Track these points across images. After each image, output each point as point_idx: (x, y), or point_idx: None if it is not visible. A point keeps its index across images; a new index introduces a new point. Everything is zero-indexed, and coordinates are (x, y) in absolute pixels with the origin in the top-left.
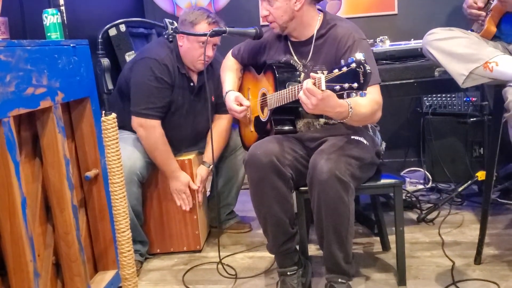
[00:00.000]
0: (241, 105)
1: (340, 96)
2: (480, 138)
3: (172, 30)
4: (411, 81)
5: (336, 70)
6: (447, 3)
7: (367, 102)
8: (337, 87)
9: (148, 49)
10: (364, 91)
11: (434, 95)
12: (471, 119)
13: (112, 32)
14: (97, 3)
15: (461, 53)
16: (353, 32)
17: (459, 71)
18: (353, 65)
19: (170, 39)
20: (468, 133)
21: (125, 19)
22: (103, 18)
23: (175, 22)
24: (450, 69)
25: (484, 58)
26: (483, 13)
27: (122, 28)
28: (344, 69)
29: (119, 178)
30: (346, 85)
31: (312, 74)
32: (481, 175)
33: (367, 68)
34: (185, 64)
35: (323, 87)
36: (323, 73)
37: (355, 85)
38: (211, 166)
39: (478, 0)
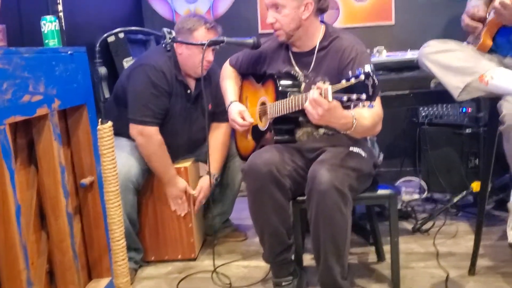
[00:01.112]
0: (244, 119)
1: (346, 108)
2: (475, 149)
3: (170, 39)
4: (407, 92)
5: (344, 81)
6: (444, 13)
7: (370, 114)
8: (345, 98)
9: (146, 56)
10: (372, 103)
11: (430, 106)
12: (467, 130)
13: (110, 38)
14: (96, 9)
15: (457, 66)
16: (356, 44)
17: (454, 84)
18: (362, 76)
19: (168, 49)
20: (463, 144)
21: (122, 28)
22: (102, 24)
23: (173, 32)
24: (446, 82)
25: (479, 71)
26: (480, 25)
27: (120, 34)
28: (353, 80)
29: (114, 186)
30: (354, 96)
31: (318, 84)
32: (476, 186)
33: (375, 80)
34: (185, 71)
35: (330, 98)
36: (326, 83)
37: (364, 96)
38: (215, 176)
39: (480, 9)
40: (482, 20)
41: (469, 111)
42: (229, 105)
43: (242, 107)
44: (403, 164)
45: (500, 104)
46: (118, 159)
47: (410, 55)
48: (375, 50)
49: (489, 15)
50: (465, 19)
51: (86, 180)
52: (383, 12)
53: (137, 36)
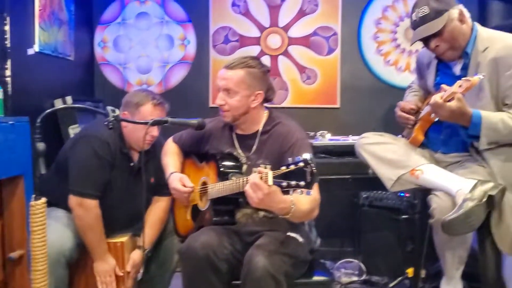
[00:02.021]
0: (184, 186)
1: (285, 193)
2: (412, 234)
3: (113, 117)
4: (347, 176)
5: (284, 167)
6: (385, 100)
7: (308, 200)
8: (284, 184)
9: (92, 126)
10: (310, 190)
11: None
12: (403, 216)
13: (58, 104)
14: (46, 74)
15: (390, 158)
16: (296, 131)
17: (387, 175)
18: (301, 164)
19: (110, 127)
20: (401, 228)
21: (62, 106)
22: (52, 90)
23: (117, 110)
24: (380, 173)
25: (411, 165)
26: (412, 118)
27: (69, 100)
28: (292, 167)
29: (42, 265)
30: (293, 183)
31: (259, 169)
32: (411, 271)
33: (313, 168)
34: (129, 143)
35: (270, 182)
36: (267, 167)
37: (302, 183)
38: (146, 251)
39: (411, 103)
40: (412, 113)
41: (407, 195)
42: (169, 176)
43: (182, 175)
44: (344, 244)
45: (430, 198)
46: (53, 231)
47: (351, 140)
48: (318, 133)
49: (423, 111)
50: (397, 111)
51: (15, 254)
52: (329, 95)
53: (86, 103)
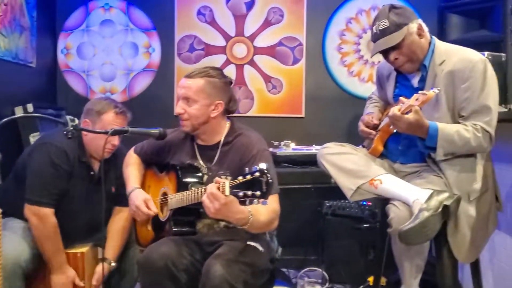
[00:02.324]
0: (149, 208)
1: (242, 203)
2: (374, 242)
3: (72, 127)
4: (309, 186)
5: (241, 177)
6: (349, 110)
7: (266, 210)
8: (241, 194)
9: (50, 135)
10: (266, 200)
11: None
12: (365, 224)
13: (19, 111)
14: (7, 81)
15: (350, 168)
16: (257, 142)
17: (347, 185)
18: (257, 174)
19: (69, 136)
20: (363, 237)
21: (19, 115)
22: (13, 97)
23: (76, 119)
24: (340, 183)
25: (370, 175)
26: (373, 132)
27: (30, 108)
28: (248, 177)
29: None
30: (249, 193)
31: (217, 179)
32: (372, 279)
33: (269, 178)
34: (89, 152)
35: (227, 193)
36: (227, 178)
37: (258, 193)
38: (112, 263)
39: (374, 118)
40: (375, 128)
41: (369, 204)
42: (132, 191)
43: (147, 195)
44: (308, 252)
45: (388, 208)
46: (9, 242)
47: (314, 150)
48: (282, 143)
49: (383, 122)
50: (360, 126)
51: None
52: (294, 105)
53: (47, 111)
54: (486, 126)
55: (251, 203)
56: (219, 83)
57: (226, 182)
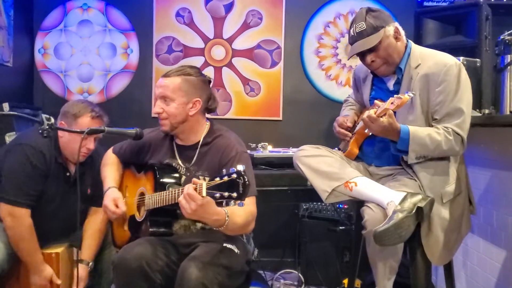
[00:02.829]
0: (117, 206)
1: (219, 204)
2: (349, 245)
3: (48, 126)
4: (286, 188)
5: (218, 179)
6: (326, 113)
7: (243, 212)
8: (217, 195)
9: (26, 134)
10: (242, 201)
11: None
12: (340, 227)
13: None
14: None
15: (325, 171)
16: (236, 144)
17: (322, 187)
18: (234, 175)
19: (45, 135)
20: (339, 239)
21: None
22: None
23: (52, 118)
24: (315, 185)
25: (345, 178)
26: (349, 134)
27: (6, 107)
28: (226, 178)
29: None
30: (226, 194)
31: (194, 179)
32: (347, 281)
33: (246, 179)
34: (65, 154)
35: (204, 193)
36: (205, 179)
37: (235, 194)
38: (90, 264)
39: (348, 120)
40: (350, 130)
41: (345, 207)
42: (106, 191)
43: (117, 194)
44: (284, 254)
45: (363, 210)
46: None
47: (291, 152)
48: (259, 145)
49: (358, 125)
50: (336, 127)
51: None
52: (272, 108)
53: (24, 111)
54: (458, 129)
55: (227, 204)
56: (196, 81)
57: (203, 183)
